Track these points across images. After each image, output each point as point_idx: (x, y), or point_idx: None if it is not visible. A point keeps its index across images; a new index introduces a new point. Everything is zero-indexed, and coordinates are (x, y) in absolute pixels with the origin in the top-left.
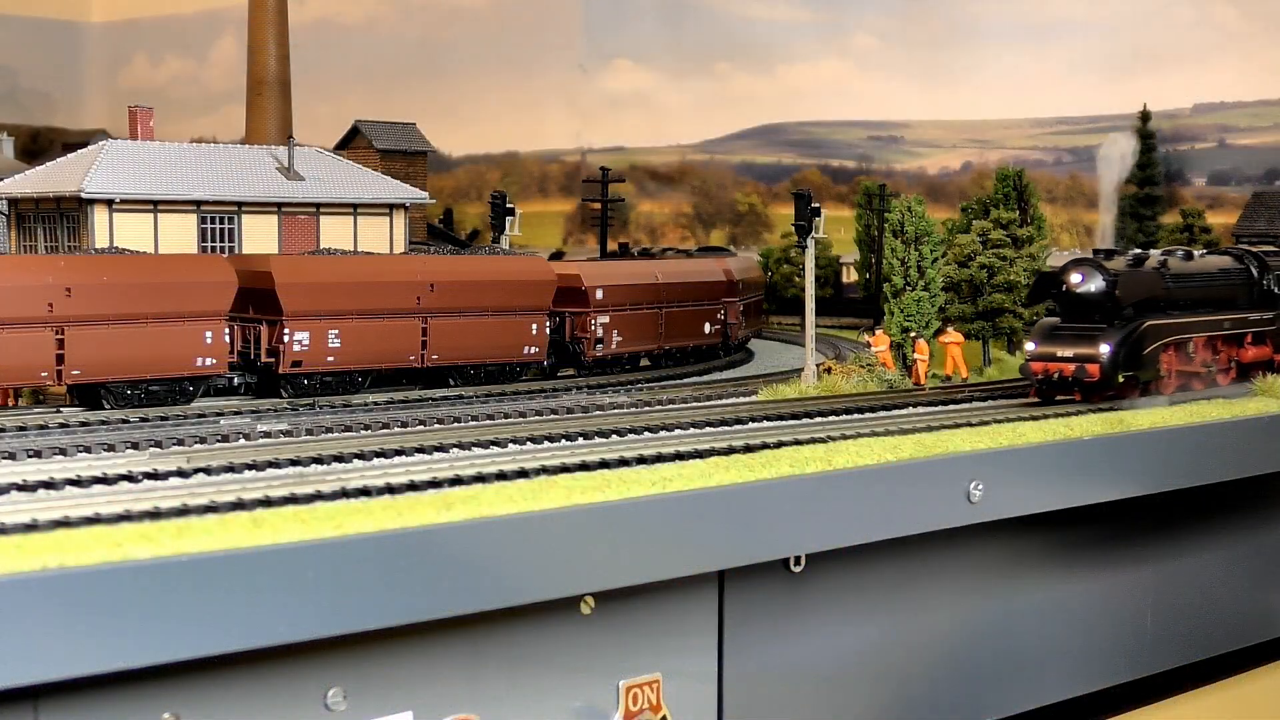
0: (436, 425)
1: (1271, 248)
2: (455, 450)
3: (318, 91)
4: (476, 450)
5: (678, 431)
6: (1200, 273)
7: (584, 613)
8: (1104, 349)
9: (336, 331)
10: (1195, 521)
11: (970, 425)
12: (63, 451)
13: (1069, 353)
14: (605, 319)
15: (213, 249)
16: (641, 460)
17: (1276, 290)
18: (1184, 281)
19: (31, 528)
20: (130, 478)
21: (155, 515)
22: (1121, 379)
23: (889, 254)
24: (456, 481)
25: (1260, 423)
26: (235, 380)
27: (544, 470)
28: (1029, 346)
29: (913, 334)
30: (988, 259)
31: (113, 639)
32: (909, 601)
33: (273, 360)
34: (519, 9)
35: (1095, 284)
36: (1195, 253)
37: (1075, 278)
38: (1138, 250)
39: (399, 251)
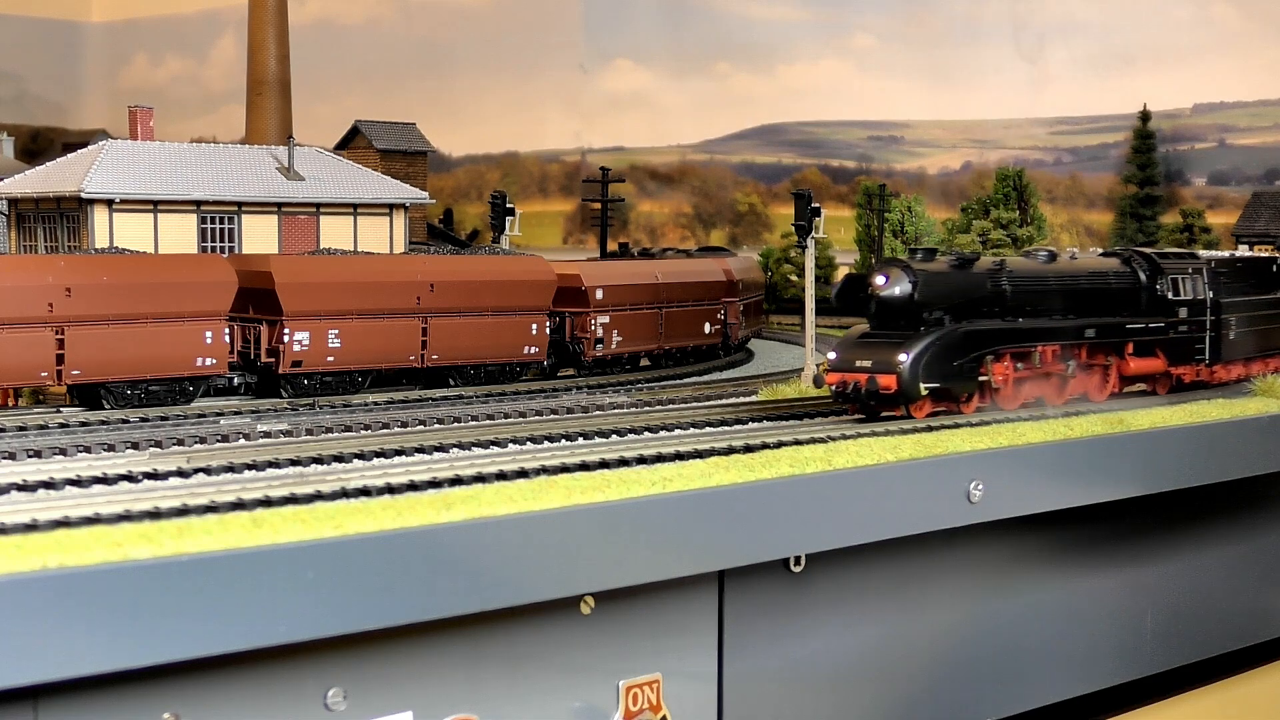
0: (436, 425)
1: (1175, 250)
2: (455, 450)
3: (318, 91)
4: (476, 450)
5: (678, 431)
6: (1056, 275)
7: (584, 613)
8: (902, 358)
9: (336, 331)
10: (1195, 521)
11: (970, 425)
12: (63, 451)
13: (867, 362)
14: (605, 319)
15: (213, 249)
16: (641, 460)
17: (1171, 296)
18: (1028, 284)
19: (31, 528)
20: (130, 478)
21: (155, 515)
22: (924, 390)
23: (889, 254)
24: (456, 481)
25: (1260, 423)
26: (235, 380)
27: (544, 470)
28: (830, 356)
29: None
30: None
31: (113, 639)
32: (909, 601)
33: (273, 360)
34: (519, 9)
35: (901, 286)
36: (1068, 254)
37: (879, 280)
38: (963, 252)
39: (399, 251)
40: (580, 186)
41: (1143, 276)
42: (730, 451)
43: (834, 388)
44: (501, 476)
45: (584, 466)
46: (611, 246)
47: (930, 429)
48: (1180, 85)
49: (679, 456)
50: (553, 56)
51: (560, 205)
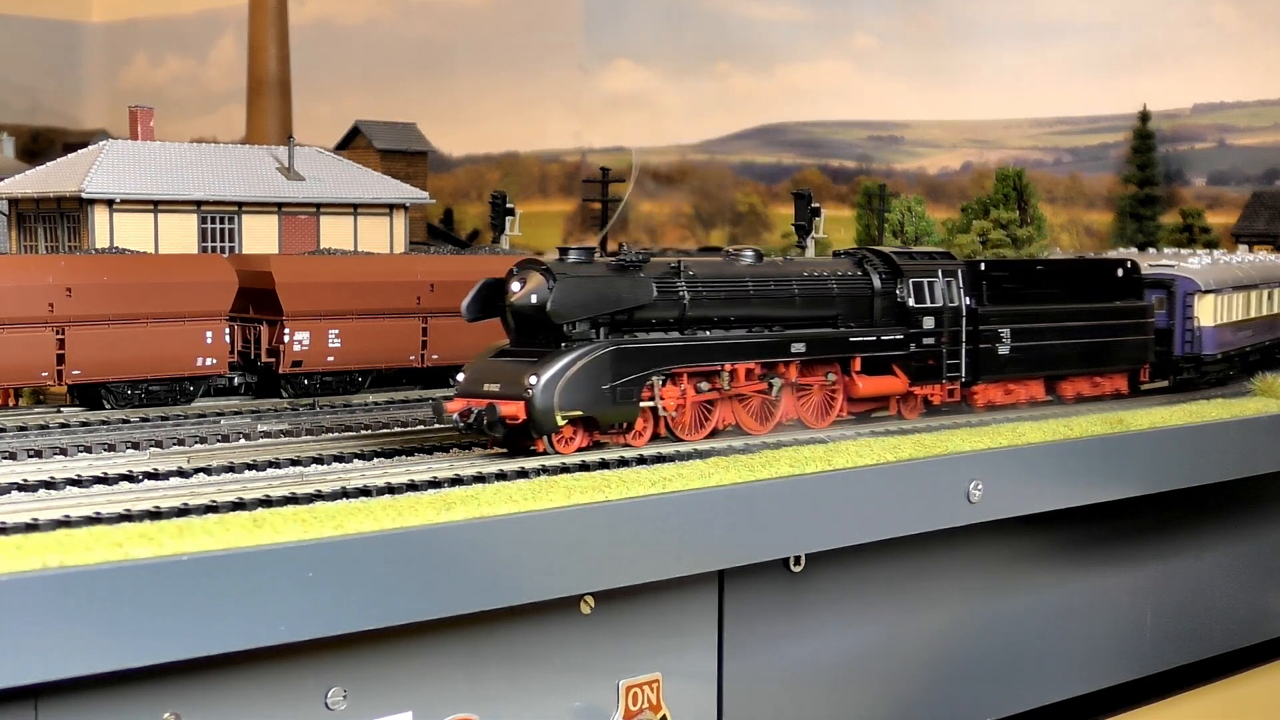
0: (436, 425)
1: (925, 250)
2: (455, 450)
3: (318, 91)
4: (476, 450)
5: None
6: (756, 280)
7: (584, 613)
8: (532, 380)
9: (336, 331)
10: (1195, 521)
11: (970, 425)
12: (63, 451)
13: (494, 386)
14: None
15: (213, 249)
16: (641, 460)
17: (913, 303)
18: (713, 291)
19: (32, 527)
20: (130, 477)
21: (155, 515)
22: (562, 420)
23: None
24: (456, 481)
25: (1260, 423)
26: (235, 380)
27: (544, 470)
28: (458, 377)
29: None
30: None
31: (113, 639)
32: (909, 601)
33: (273, 360)
34: (519, 9)
35: (537, 294)
36: (793, 256)
37: (513, 286)
38: (631, 253)
39: (399, 251)
40: (580, 186)
41: (877, 281)
42: (730, 451)
43: (457, 416)
44: (501, 476)
45: (584, 467)
46: (611, 247)
47: (930, 429)
48: (1180, 85)
49: (679, 456)
50: (553, 56)
51: (560, 205)
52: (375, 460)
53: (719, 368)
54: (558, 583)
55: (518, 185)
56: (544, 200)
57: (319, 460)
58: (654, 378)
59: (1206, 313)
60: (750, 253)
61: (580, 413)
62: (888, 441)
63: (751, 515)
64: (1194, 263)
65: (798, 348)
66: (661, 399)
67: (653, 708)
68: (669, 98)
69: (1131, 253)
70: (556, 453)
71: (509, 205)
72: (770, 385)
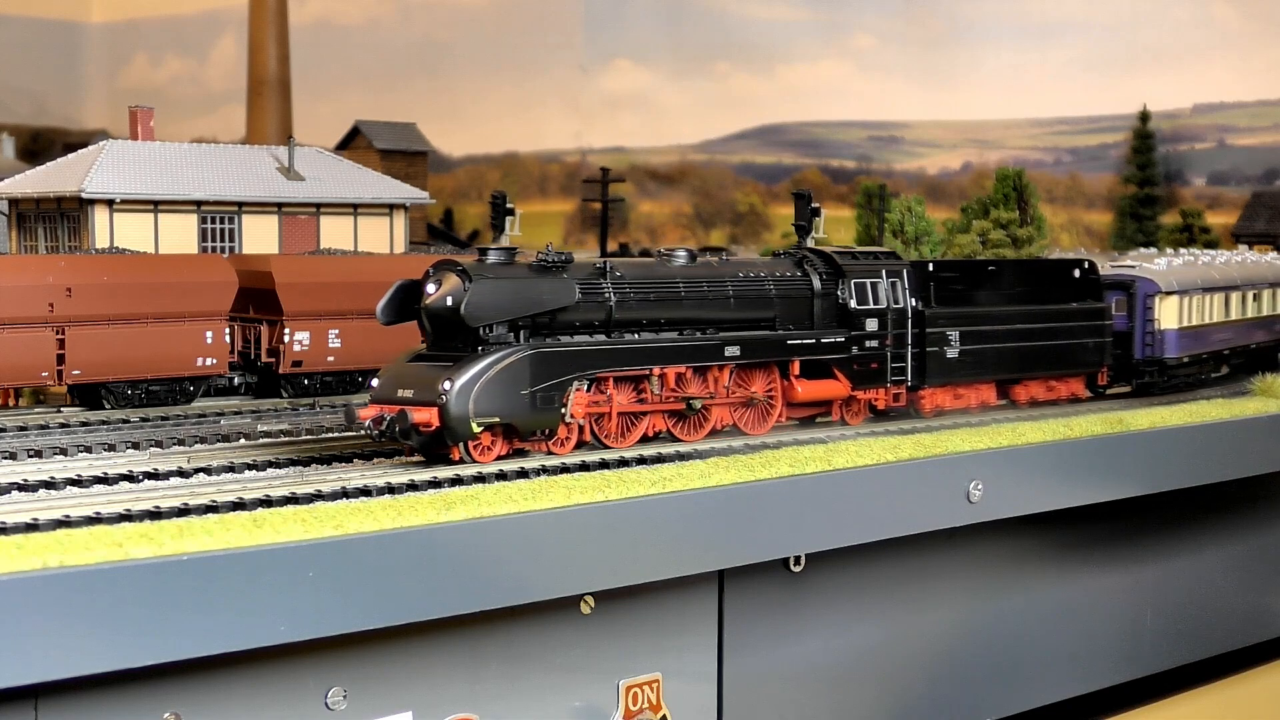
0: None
1: (869, 250)
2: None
3: (318, 91)
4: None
5: None
6: (688, 281)
7: (584, 613)
8: (446, 386)
9: (337, 331)
10: (1195, 521)
11: (970, 425)
12: (63, 451)
13: (408, 392)
14: None
15: (213, 249)
16: (641, 460)
17: (855, 305)
18: (642, 293)
19: (32, 527)
20: (131, 477)
21: (156, 515)
22: (478, 427)
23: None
24: (456, 481)
25: (1260, 423)
26: (235, 380)
27: (544, 470)
28: (373, 383)
29: None
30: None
31: (113, 639)
32: (909, 601)
33: (273, 360)
34: (519, 9)
35: (453, 296)
36: (726, 255)
37: (429, 287)
38: (554, 253)
39: (399, 251)
40: (580, 186)
41: (817, 282)
42: (730, 451)
43: (369, 424)
44: (501, 476)
45: (584, 467)
46: (612, 246)
47: (930, 429)
48: (1180, 85)
49: (679, 456)
50: (553, 56)
51: (560, 205)
52: (375, 460)
53: (647, 372)
54: (558, 583)
55: (518, 185)
56: (544, 200)
57: (319, 460)
58: (577, 383)
59: (1170, 315)
60: (683, 253)
61: (498, 419)
62: (888, 441)
63: (751, 515)
64: (1159, 263)
65: (731, 351)
66: (571, 405)
67: (653, 708)
68: (669, 98)
69: (1149, 253)
70: (474, 461)
71: (509, 205)
72: (688, 405)
